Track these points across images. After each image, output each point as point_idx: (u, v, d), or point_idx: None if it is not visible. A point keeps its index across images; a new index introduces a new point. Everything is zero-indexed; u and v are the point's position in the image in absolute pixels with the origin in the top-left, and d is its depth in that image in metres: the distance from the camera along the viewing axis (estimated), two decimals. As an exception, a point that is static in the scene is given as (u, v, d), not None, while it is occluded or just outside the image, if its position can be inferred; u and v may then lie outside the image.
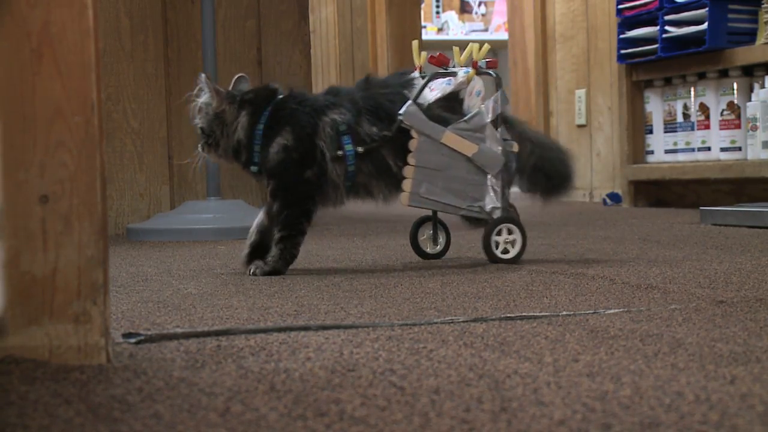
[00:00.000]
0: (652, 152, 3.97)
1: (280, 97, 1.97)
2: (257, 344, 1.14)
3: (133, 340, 1.17)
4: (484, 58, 1.98)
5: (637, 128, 4.02)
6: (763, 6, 3.43)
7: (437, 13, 8.12)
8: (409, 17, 6.31)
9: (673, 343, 1.10)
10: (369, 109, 1.94)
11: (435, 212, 2.12)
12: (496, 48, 8.41)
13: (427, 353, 1.07)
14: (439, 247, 2.15)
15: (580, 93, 4.62)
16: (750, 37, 3.48)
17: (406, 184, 1.93)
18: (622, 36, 3.95)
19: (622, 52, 3.95)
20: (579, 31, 4.62)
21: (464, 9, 8.29)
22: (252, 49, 3.36)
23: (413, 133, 1.92)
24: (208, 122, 1.96)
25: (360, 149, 1.92)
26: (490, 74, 1.97)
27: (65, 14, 1.02)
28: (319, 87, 4.63)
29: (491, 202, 1.96)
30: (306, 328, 1.24)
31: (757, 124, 3.39)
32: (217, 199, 3.00)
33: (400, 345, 1.12)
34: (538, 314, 1.32)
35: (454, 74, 1.98)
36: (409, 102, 1.93)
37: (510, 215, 1.98)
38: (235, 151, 1.96)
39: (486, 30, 8.22)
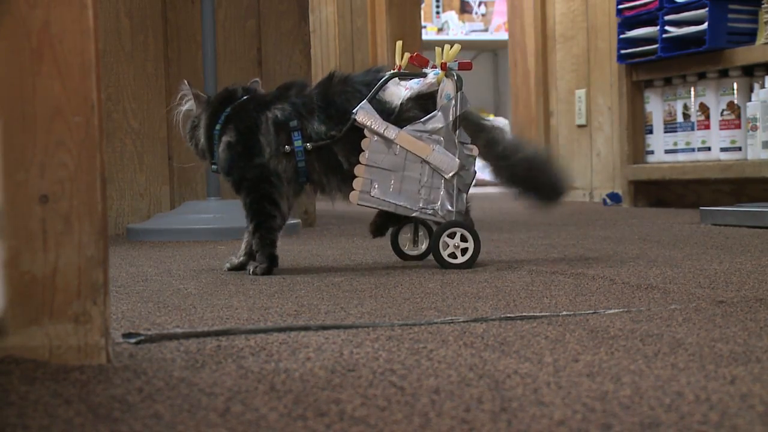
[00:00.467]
0: (652, 152, 3.97)
1: (243, 98, 2.00)
2: (257, 344, 1.14)
3: (133, 340, 1.17)
4: (454, 60, 1.94)
5: (637, 128, 4.02)
6: (763, 6, 3.43)
7: (437, 13, 8.12)
8: (409, 17, 6.31)
9: (673, 343, 1.10)
10: (321, 106, 1.94)
11: None
12: (496, 48, 8.42)
13: (427, 353, 1.07)
14: (419, 249, 2.11)
15: (580, 93, 4.62)
16: (750, 37, 3.48)
17: (357, 183, 1.92)
18: (622, 36, 3.95)
19: (622, 52, 3.95)
20: (579, 31, 4.62)
21: (464, 9, 8.29)
22: (252, 49, 3.36)
23: (366, 132, 1.91)
24: (189, 128, 2.04)
25: (309, 146, 1.92)
26: (454, 76, 1.93)
27: (65, 14, 1.02)
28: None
29: (445, 205, 1.93)
30: (306, 328, 1.24)
31: (757, 124, 3.39)
32: (217, 199, 3.00)
33: (400, 345, 1.12)
34: (538, 314, 1.32)
35: (419, 75, 1.97)
36: (364, 101, 1.92)
37: (462, 220, 1.94)
38: (203, 153, 2.03)
39: (486, 30, 8.22)
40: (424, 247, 2.11)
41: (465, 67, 1.94)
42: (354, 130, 1.92)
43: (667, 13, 3.67)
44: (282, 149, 1.93)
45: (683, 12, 3.60)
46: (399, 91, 1.95)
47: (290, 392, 0.90)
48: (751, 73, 3.54)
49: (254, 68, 3.35)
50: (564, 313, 1.33)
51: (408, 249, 2.12)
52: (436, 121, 1.92)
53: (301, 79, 2.00)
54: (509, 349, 1.09)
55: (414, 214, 1.94)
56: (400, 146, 1.91)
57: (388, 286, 1.68)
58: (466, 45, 8.34)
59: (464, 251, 1.94)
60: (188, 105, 2.03)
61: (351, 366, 1.01)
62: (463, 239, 1.93)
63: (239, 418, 0.82)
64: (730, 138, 3.58)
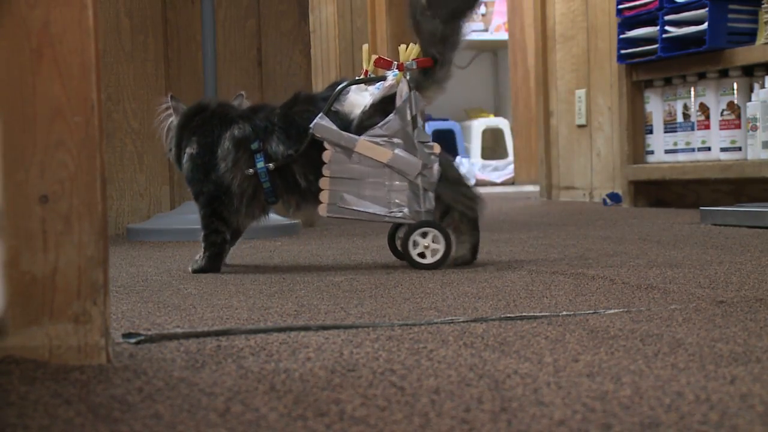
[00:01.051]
0: (652, 152, 3.97)
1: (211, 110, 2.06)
2: (257, 344, 1.14)
3: (133, 340, 1.17)
4: (413, 59, 1.93)
5: (637, 128, 4.02)
6: (763, 6, 3.43)
7: (437, 13, 8.11)
8: (409, 17, 6.31)
9: (673, 343, 1.10)
10: (281, 127, 1.97)
11: None
12: (496, 48, 8.42)
13: (427, 353, 1.07)
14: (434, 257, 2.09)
15: (580, 93, 4.62)
16: (750, 37, 3.48)
17: (323, 196, 1.93)
18: (622, 36, 3.95)
19: (622, 52, 3.95)
20: (579, 31, 4.63)
21: (464, 9, 8.27)
22: (252, 49, 3.36)
23: (326, 145, 1.93)
24: (168, 138, 2.11)
25: (271, 166, 1.95)
26: (407, 76, 1.93)
27: (65, 14, 1.02)
28: (319, 87, 4.62)
29: (413, 206, 1.93)
30: (306, 329, 1.24)
31: (757, 124, 3.39)
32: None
33: (400, 345, 1.12)
34: (538, 314, 1.32)
35: (378, 80, 1.97)
36: (320, 114, 1.93)
37: (432, 220, 1.93)
38: (177, 161, 2.10)
39: (486, 30, 8.23)
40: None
41: (424, 64, 1.93)
42: (313, 148, 1.94)
43: (667, 13, 3.67)
44: (243, 169, 1.97)
45: (683, 12, 3.60)
46: (361, 100, 1.96)
47: (290, 392, 0.90)
48: (751, 73, 3.54)
49: (254, 68, 3.35)
50: (564, 313, 1.33)
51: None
52: (393, 123, 1.92)
53: (273, 106, 2.03)
54: (509, 349, 1.09)
55: (386, 220, 1.95)
56: (362, 154, 1.92)
57: (388, 286, 1.68)
58: (466, 45, 8.33)
59: (434, 252, 1.94)
60: (173, 118, 2.11)
61: (351, 366, 1.01)
62: (435, 240, 1.93)
63: (239, 418, 0.82)
64: (730, 138, 3.58)
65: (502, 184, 7.58)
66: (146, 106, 3.24)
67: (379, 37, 6.36)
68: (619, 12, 3.97)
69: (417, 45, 1.94)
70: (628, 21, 3.93)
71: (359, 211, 1.93)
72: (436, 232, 1.92)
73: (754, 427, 0.76)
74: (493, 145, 7.98)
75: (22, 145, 1.02)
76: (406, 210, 1.92)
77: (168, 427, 0.80)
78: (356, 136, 1.92)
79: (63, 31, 1.02)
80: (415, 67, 1.92)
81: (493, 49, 8.48)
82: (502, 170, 7.68)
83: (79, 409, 0.85)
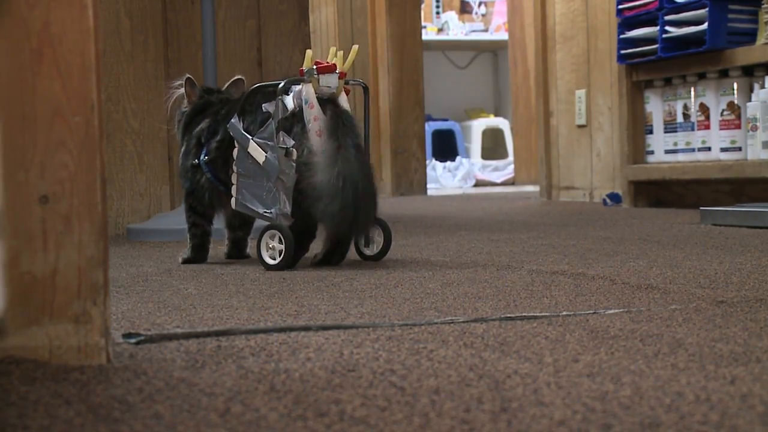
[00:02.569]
0: (652, 152, 3.97)
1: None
2: (257, 344, 1.14)
3: (133, 341, 1.17)
4: (313, 64, 1.99)
5: (637, 128, 4.02)
6: (763, 6, 3.43)
7: (437, 13, 8.12)
8: (409, 17, 6.31)
9: (674, 343, 1.10)
10: (219, 121, 2.13)
11: None
12: (496, 48, 8.42)
13: (428, 353, 1.07)
14: (373, 250, 2.11)
15: (580, 93, 4.62)
16: (750, 37, 3.48)
17: (233, 190, 2.06)
18: (622, 36, 3.94)
19: (622, 52, 3.95)
20: (579, 31, 4.62)
21: (464, 9, 8.29)
22: (252, 49, 3.36)
23: (236, 143, 2.05)
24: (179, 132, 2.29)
25: (199, 160, 2.13)
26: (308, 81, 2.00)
27: (65, 14, 1.02)
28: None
29: (279, 207, 1.99)
30: (306, 329, 1.24)
31: (757, 124, 3.39)
32: (217, 199, 3.00)
33: (401, 345, 1.12)
34: (538, 314, 1.32)
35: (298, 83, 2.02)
36: (233, 115, 2.06)
37: (280, 222, 1.97)
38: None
39: (486, 30, 8.23)
40: (376, 248, 2.12)
41: (325, 70, 1.98)
42: (232, 145, 2.07)
43: (667, 13, 3.67)
44: (194, 162, 2.15)
45: (683, 12, 3.60)
46: (290, 101, 2.02)
47: (290, 392, 0.90)
48: (751, 73, 3.54)
49: (254, 68, 3.35)
50: (564, 313, 1.33)
51: (363, 248, 2.13)
52: (269, 127, 2.00)
53: (237, 98, 2.12)
54: (509, 349, 1.09)
55: (263, 218, 2.04)
56: (250, 154, 2.02)
57: (388, 286, 1.68)
58: (466, 45, 8.35)
59: (281, 253, 1.98)
60: (185, 108, 2.23)
61: (351, 366, 1.01)
62: (279, 241, 1.98)
63: (239, 418, 0.82)
64: (730, 138, 3.58)
65: (502, 184, 7.58)
66: (146, 106, 3.24)
67: (379, 37, 6.35)
68: (619, 12, 3.97)
69: (335, 48, 2.06)
70: (628, 21, 3.92)
71: (249, 208, 2.04)
72: (279, 233, 1.98)
73: (754, 427, 0.76)
74: (493, 145, 7.98)
75: (22, 146, 1.02)
76: (274, 210, 1.99)
77: (168, 428, 0.80)
78: (249, 137, 2.02)
79: (63, 31, 1.02)
80: (315, 75, 1.98)
81: (493, 49, 8.48)
82: (502, 170, 7.68)
83: (79, 410, 0.85)
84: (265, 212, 2.00)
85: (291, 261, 1.97)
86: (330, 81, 1.99)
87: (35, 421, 0.82)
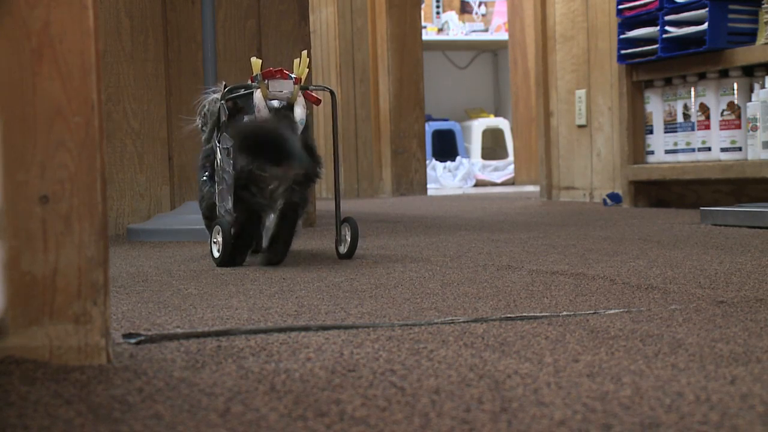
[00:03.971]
0: (652, 152, 3.97)
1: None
2: (257, 345, 1.14)
3: (133, 341, 1.17)
4: (261, 71, 2.03)
5: (638, 128, 4.02)
6: (763, 6, 3.43)
7: (437, 13, 8.12)
8: (409, 18, 6.31)
9: (674, 343, 1.10)
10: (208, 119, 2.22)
11: (336, 212, 2.20)
12: (496, 48, 8.42)
13: (428, 353, 1.07)
14: (343, 248, 2.17)
15: (581, 93, 4.62)
16: (750, 37, 3.48)
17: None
18: (622, 36, 3.95)
19: (623, 52, 3.95)
20: (579, 31, 4.63)
21: (464, 9, 8.29)
22: (252, 49, 3.36)
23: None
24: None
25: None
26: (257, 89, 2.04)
27: (65, 14, 1.02)
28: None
29: (222, 205, 2.09)
30: (306, 329, 1.24)
31: (758, 124, 3.39)
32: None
33: (401, 345, 1.12)
34: (538, 314, 1.32)
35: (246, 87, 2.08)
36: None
37: (221, 220, 2.07)
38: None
39: (486, 30, 8.22)
40: (342, 249, 2.18)
41: (270, 75, 2.02)
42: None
43: (667, 14, 3.67)
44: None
45: (683, 12, 3.60)
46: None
47: (290, 392, 0.90)
48: (751, 73, 3.54)
49: (254, 68, 3.34)
50: (564, 313, 1.33)
51: (338, 246, 2.19)
52: (224, 129, 2.09)
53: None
54: (509, 349, 1.09)
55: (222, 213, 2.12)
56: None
57: (388, 286, 1.68)
58: (466, 45, 8.36)
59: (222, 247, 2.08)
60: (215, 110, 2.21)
61: (351, 366, 1.01)
62: (222, 236, 2.08)
63: (239, 418, 0.82)
64: (730, 138, 3.58)
65: (503, 184, 7.58)
66: (146, 106, 3.24)
67: (379, 37, 6.35)
68: (619, 12, 3.97)
69: (304, 52, 2.09)
70: (628, 21, 3.92)
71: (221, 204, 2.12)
72: (220, 229, 2.07)
73: (755, 427, 0.76)
74: (493, 145, 7.98)
75: (22, 146, 1.02)
76: (227, 207, 2.07)
77: (168, 428, 0.80)
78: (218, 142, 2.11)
79: (63, 31, 1.02)
80: (261, 79, 2.01)
81: (493, 49, 8.48)
82: (502, 170, 7.68)
83: (79, 410, 0.85)
84: (222, 209, 2.10)
85: (230, 257, 2.05)
86: (281, 86, 2.02)
87: (35, 421, 0.82)
